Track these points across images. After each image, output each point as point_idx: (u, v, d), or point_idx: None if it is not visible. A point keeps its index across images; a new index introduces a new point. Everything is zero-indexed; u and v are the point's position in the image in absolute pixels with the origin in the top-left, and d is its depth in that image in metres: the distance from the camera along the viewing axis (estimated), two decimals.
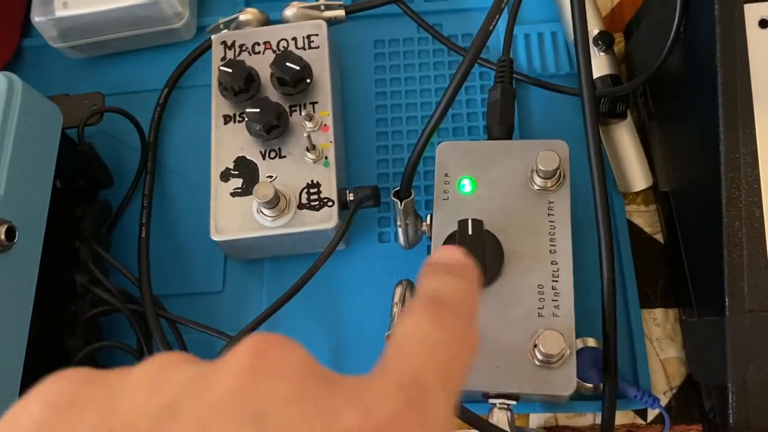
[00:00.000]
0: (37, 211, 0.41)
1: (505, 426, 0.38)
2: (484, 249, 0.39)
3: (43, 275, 0.40)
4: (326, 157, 0.44)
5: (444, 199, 0.42)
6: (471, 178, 0.42)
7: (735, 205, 0.37)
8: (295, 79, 0.45)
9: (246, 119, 0.44)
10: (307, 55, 0.46)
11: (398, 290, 0.42)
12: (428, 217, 0.42)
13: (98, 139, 0.50)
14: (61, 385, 0.17)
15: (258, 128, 0.44)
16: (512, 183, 0.42)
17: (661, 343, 0.45)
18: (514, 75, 0.47)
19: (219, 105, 0.46)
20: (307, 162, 0.44)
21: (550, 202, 0.41)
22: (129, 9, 0.50)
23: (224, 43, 0.48)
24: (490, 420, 0.38)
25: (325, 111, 0.46)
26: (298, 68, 0.44)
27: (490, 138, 0.44)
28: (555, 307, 0.39)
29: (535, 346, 0.37)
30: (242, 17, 0.49)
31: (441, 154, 0.43)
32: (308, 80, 0.45)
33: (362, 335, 0.46)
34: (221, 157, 0.45)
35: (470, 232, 0.39)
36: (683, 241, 0.44)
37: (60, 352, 0.43)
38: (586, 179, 0.42)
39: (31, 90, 0.41)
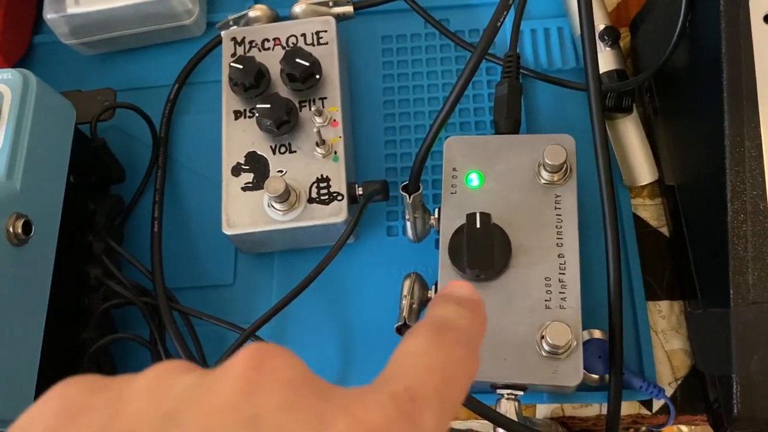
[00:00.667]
0: (52, 206, 0.41)
1: (512, 416, 0.39)
2: (492, 242, 0.40)
3: (58, 268, 0.41)
4: (335, 152, 0.45)
5: (452, 193, 0.43)
6: (478, 172, 0.43)
7: (740, 199, 0.37)
8: (304, 75, 0.45)
9: (256, 115, 0.45)
10: (316, 51, 0.47)
11: (407, 283, 0.42)
12: (436, 210, 0.43)
13: (110, 134, 0.50)
14: (68, 392, 0.18)
15: (268, 124, 0.44)
16: (519, 177, 0.42)
17: (667, 334, 0.46)
18: (521, 70, 0.47)
19: (229, 101, 0.47)
20: (317, 157, 0.45)
21: (557, 196, 0.42)
22: (140, 6, 0.51)
23: (234, 39, 0.48)
24: (497, 410, 0.39)
25: (334, 106, 0.46)
26: (307, 64, 0.45)
27: (498, 132, 0.45)
28: (562, 299, 0.39)
29: (543, 337, 0.38)
30: (251, 14, 0.50)
31: (448, 148, 0.44)
32: (317, 76, 0.46)
33: (370, 328, 0.47)
34: (232, 152, 0.46)
35: (478, 226, 0.40)
36: (688, 234, 0.44)
37: (74, 343, 0.44)
38: (591, 173, 0.43)
39: (46, 86, 0.42)
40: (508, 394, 0.39)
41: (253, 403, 0.17)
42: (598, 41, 0.48)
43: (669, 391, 0.45)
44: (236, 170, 0.45)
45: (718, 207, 0.39)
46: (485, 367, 0.38)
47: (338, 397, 0.18)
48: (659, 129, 0.48)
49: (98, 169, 0.49)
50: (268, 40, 0.48)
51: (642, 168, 0.48)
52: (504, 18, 0.37)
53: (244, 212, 0.44)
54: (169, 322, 0.44)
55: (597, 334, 0.43)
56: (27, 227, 0.38)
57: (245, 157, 0.46)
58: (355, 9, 0.50)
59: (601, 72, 0.47)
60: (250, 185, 0.45)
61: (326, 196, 0.44)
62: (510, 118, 0.45)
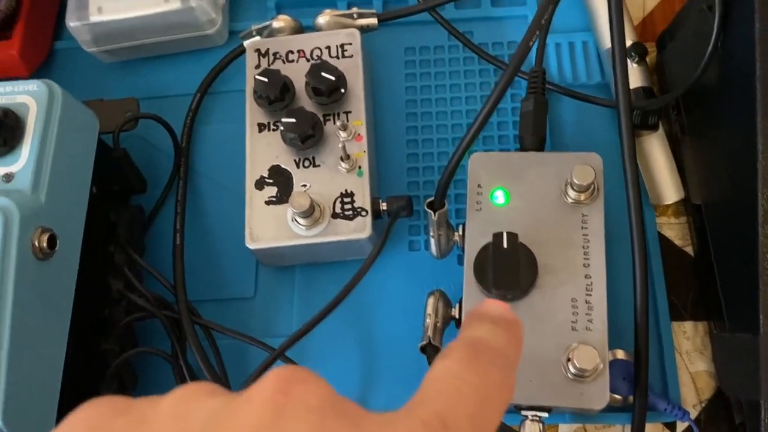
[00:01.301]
0: (75, 218, 0.41)
1: None
2: (519, 262, 0.39)
3: (79, 280, 0.41)
4: (360, 167, 0.45)
5: (477, 210, 0.42)
6: (504, 189, 0.42)
7: None
8: (330, 89, 0.45)
9: (281, 128, 0.45)
10: (340, 64, 0.46)
11: (431, 301, 0.42)
12: (460, 227, 0.43)
13: (131, 143, 0.50)
14: (91, 415, 0.18)
15: (293, 137, 0.44)
16: (545, 195, 0.42)
17: (691, 356, 0.45)
18: (546, 85, 0.47)
19: (253, 113, 0.47)
20: (341, 171, 0.45)
21: (584, 215, 0.41)
22: (163, 15, 0.51)
23: (258, 50, 0.48)
24: (521, 431, 0.38)
25: (359, 120, 0.46)
26: (333, 78, 0.44)
27: (523, 149, 0.45)
28: (588, 320, 0.39)
29: (569, 359, 0.38)
30: (275, 24, 0.49)
31: (473, 164, 0.43)
32: (342, 90, 0.46)
33: (393, 345, 0.46)
34: (256, 165, 0.46)
35: (505, 246, 0.39)
36: (715, 254, 0.44)
37: (95, 355, 0.44)
38: (616, 190, 0.42)
39: (70, 97, 0.41)
40: (532, 415, 0.39)
41: (281, 429, 0.16)
42: None
43: (693, 414, 0.44)
44: (260, 184, 0.45)
45: (747, 228, 0.38)
46: None
47: (367, 423, 0.17)
48: (686, 147, 0.48)
49: (119, 179, 0.49)
50: (292, 52, 0.48)
51: (668, 186, 0.48)
52: (536, 38, 0.37)
53: (268, 226, 0.44)
54: (191, 337, 0.44)
55: (620, 354, 0.42)
56: (52, 241, 0.37)
57: (269, 170, 0.45)
58: (379, 20, 0.50)
59: None
60: (273, 199, 0.45)
61: (350, 212, 0.44)
62: (536, 135, 0.44)
